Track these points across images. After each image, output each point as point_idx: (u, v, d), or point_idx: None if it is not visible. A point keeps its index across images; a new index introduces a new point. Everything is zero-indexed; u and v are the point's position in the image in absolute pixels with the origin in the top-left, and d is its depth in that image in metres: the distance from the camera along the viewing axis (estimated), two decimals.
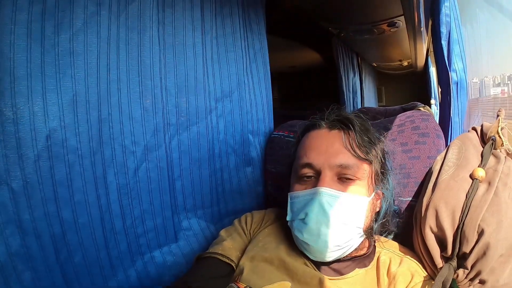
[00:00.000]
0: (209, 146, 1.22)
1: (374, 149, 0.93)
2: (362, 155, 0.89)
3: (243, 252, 0.99)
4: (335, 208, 0.84)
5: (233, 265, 0.96)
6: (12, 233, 0.79)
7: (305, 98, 3.96)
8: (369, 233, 0.93)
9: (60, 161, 0.85)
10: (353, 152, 0.89)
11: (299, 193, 0.91)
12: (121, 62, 0.96)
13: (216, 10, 1.25)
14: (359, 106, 3.06)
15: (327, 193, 0.85)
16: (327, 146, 0.90)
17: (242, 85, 1.34)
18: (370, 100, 3.63)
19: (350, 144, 0.90)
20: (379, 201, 0.96)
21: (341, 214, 0.85)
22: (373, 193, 0.92)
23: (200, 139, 1.18)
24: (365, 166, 0.91)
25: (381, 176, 0.95)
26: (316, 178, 0.90)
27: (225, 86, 1.27)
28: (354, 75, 3.00)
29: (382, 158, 0.96)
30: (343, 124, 0.93)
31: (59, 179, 0.86)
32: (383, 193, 0.96)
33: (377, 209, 0.95)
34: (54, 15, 0.83)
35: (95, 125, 0.91)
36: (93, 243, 0.93)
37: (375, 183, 0.93)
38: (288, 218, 0.94)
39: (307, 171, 0.91)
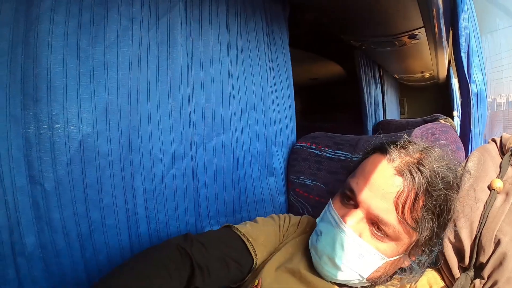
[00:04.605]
0: (234, 156, 1.25)
1: (433, 220, 0.78)
2: (409, 221, 0.78)
3: (270, 254, 0.97)
4: (346, 250, 0.80)
5: (255, 261, 0.93)
6: (42, 229, 0.84)
7: (327, 110, 3.95)
8: (375, 282, 0.86)
9: (91, 165, 0.91)
10: (399, 213, 0.77)
11: (333, 210, 0.86)
12: (151, 74, 1.01)
13: (241, 25, 1.29)
14: (381, 119, 3.04)
15: (347, 233, 0.80)
16: (380, 188, 0.79)
17: (266, 97, 1.37)
18: (392, 112, 3.60)
19: (403, 203, 0.77)
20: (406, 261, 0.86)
21: (349, 258, 0.80)
22: (397, 257, 0.82)
23: (225, 149, 1.21)
24: (407, 233, 0.79)
25: (420, 249, 0.84)
26: (353, 206, 0.83)
27: (249, 98, 1.30)
28: (376, 87, 2.97)
29: (436, 234, 0.81)
30: (413, 176, 0.78)
31: (90, 182, 0.91)
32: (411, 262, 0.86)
33: (400, 266, 0.86)
34: (89, 29, 0.89)
35: (126, 132, 0.96)
36: (118, 244, 0.97)
37: (409, 251, 0.83)
38: (317, 219, 0.92)
39: (350, 195, 0.84)
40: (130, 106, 0.97)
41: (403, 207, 0.77)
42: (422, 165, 0.79)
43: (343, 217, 0.83)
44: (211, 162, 1.18)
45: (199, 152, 1.14)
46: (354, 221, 0.81)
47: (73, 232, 0.89)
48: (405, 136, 0.88)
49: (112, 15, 0.93)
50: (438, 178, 0.78)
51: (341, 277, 0.83)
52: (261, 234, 0.98)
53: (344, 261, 0.81)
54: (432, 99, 4.32)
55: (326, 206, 0.92)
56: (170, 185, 1.07)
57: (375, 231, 0.80)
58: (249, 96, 1.30)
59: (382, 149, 0.86)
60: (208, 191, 1.19)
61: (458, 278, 0.84)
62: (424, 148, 0.84)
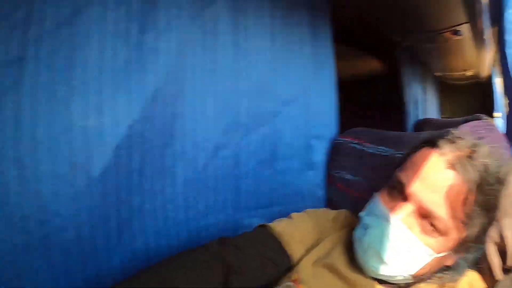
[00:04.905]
0: (274, 148, 1.24)
1: (483, 216, 0.77)
2: (459, 216, 0.75)
3: (307, 251, 0.96)
4: (394, 244, 0.78)
5: (292, 259, 0.93)
6: (85, 221, 0.84)
7: (365, 107, 3.89)
8: (419, 279, 0.83)
9: (136, 150, 0.91)
10: (451, 207, 0.75)
11: (380, 204, 0.84)
12: (197, 62, 1.02)
13: (284, 18, 1.28)
14: (421, 117, 2.98)
15: (397, 226, 0.78)
16: (432, 181, 0.78)
17: (309, 90, 1.36)
18: (432, 111, 3.50)
19: (454, 197, 0.75)
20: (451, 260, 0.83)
21: (397, 252, 0.78)
22: (444, 253, 0.79)
23: (266, 140, 1.21)
24: (456, 228, 0.77)
25: (467, 247, 0.81)
26: (402, 199, 0.80)
27: (292, 90, 1.29)
28: (417, 85, 2.92)
29: (484, 230, 0.79)
30: (465, 170, 0.76)
31: (134, 167, 0.91)
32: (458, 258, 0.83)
33: (444, 264, 0.83)
34: (139, 16, 0.90)
35: (169, 119, 0.97)
36: (154, 230, 0.97)
37: (456, 248, 0.80)
38: (361, 213, 0.90)
39: (399, 188, 0.82)
40: (176, 93, 0.97)
41: (455, 201, 0.75)
42: (474, 159, 0.77)
43: (391, 210, 0.80)
44: (253, 153, 1.18)
45: (241, 143, 1.14)
46: (404, 214, 0.78)
47: (113, 219, 0.89)
48: (454, 131, 0.86)
49: (161, 2, 0.94)
50: (489, 173, 0.76)
51: (386, 272, 0.81)
52: (296, 231, 0.97)
53: (392, 255, 0.79)
54: (473, 99, 4.18)
55: (372, 200, 0.90)
56: (211, 175, 1.07)
57: (425, 226, 0.78)
58: (291, 88, 1.29)
59: (432, 143, 0.83)
60: (248, 182, 1.18)
61: (501, 280, 0.81)
62: (474, 143, 0.81)
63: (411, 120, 2.72)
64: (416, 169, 0.81)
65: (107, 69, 0.85)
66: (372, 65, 3.09)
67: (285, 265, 0.93)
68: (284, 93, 1.27)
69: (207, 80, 1.04)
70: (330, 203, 1.42)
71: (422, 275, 0.82)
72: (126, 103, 0.88)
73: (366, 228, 0.85)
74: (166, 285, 0.76)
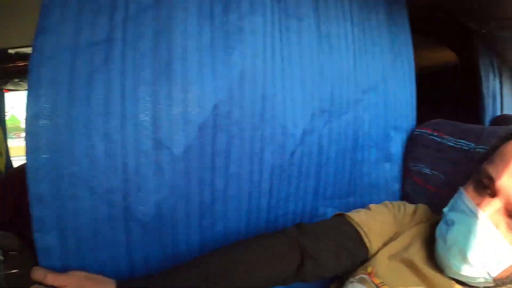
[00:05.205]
0: (354, 137, 1.21)
1: None
2: None
3: (384, 244, 0.94)
4: (480, 242, 0.73)
5: (370, 251, 0.92)
6: (164, 197, 0.84)
7: (439, 99, 3.77)
8: (502, 283, 0.79)
9: (222, 131, 0.90)
10: None
11: (466, 199, 0.79)
12: (284, 45, 1.00)
13: (361, 3, 1.24)
14: (499, 113, 2.85)
15: (484, 223, 0.73)
16: None
17: (387, 79, 1.31)
18: (509, 107, 3.36)
19: None
20: None
21: (482, 251, 0.73)
22: None
23: (347, 129, 1.18)
24: None
25: None
26: (489, 195, 0.76)
27: (371, 78, 1.25)
28: (494, 78, 2.78)
29: None
30: None
31: (219, 149, 0.90)
32: None
33: None
34: None
35: (259, 101, 0.95)
36: (236, 215, 0.97)
37: None
38: (444, 209, 0.86)
39: (487, 182, 0.77)
40: (264, 75, 0.95)
41: None
42: None
43: (478, 206, 0.76)
44: (334, 141, 1.15)
45: (324, 130, 1.12)
46: (492, 210, 0.74)
47: (195, 200, 0.89)
48: None
49: None
50: None
51: (468, 272, 0.76)
52: (375, 223, 0.95)
53: (477, 254, 0.74)
54: None
55: (457, 195, 0.85)
56: (297, 162, 1.06)
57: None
58: (371, 76, 1.25)
59: None
60: (327, 171, 1.16)
61: None
62: None
63: (488, 116, 2.60)
64: (506, 163, 0.76)
65: (192, 50, 0.85)
66: (444, 55, 2.97)
67: (362, 257, 0.92)
68: (364, 81, 1.23)
69: (294, 63, 1.02)
70: (406, 197, 1.38)
71: (503, 279, 0.78)
72: (212, 83, 0.87)
73: (450, 224, 0.81)
74: (243, 265, 0.78)
